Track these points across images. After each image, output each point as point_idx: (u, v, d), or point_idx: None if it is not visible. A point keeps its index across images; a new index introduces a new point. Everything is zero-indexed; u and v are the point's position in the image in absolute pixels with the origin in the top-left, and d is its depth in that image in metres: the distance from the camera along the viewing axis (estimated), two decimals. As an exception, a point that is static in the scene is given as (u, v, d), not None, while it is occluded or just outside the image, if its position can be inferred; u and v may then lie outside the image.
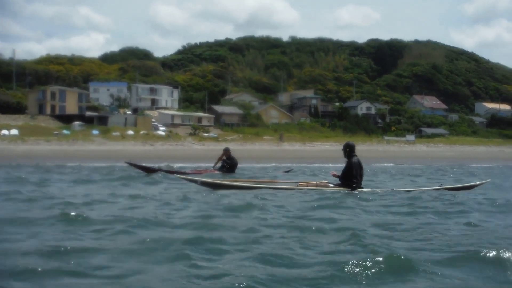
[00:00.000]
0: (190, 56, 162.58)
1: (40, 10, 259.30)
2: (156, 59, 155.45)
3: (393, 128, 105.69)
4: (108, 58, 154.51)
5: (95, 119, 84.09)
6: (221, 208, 10.03)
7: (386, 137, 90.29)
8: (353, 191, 12.84)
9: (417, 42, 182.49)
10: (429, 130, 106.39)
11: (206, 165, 28.04)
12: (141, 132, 71.02)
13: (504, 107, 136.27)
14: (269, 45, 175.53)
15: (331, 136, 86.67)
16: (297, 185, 13.89)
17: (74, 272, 5.34)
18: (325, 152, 54.38)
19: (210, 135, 79.01)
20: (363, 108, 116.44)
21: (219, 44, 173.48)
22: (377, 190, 13.38)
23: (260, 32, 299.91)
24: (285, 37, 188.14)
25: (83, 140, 59.20)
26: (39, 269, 5.33)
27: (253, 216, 9.05)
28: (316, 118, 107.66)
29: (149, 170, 18.84)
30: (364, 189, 13.21)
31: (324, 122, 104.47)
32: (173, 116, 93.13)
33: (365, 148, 60.22)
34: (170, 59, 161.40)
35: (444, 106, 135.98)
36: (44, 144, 53.47)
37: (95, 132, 68.87)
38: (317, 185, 13.60)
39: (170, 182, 15.93)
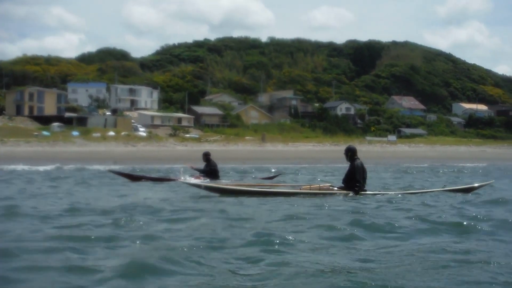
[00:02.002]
0: (168, 56, 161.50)
1: (11, 10, 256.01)
2: (134, 60, 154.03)
3: (372, 128, 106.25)
4: (85, 59, 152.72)
5: (74, 120, 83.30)
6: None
7: (368, 138, 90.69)
8: (356, 194, 12.75)
9: (394, 43, 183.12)
10: (408, 130, 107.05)
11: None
12: (122, 133, 70.45)
13: (481, 107, 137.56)
14: (248, 45, 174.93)
15: (312, 137, 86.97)
16: (300, 189, 13.69)
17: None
18: (309, 153, 54.43)
19: (191, 135, 78.68)
20: (342, 108, 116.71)
21: (197, 45, 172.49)
22: (380, 192, 13.31)
23: (236, 33, 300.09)
24: (262, 38, 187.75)
25: (63, 141, 58.63)
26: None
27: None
28: (296, 119, 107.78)
29: (133, 178, 18.29)
30: (368, 192, 13.11)
31: (304, 122, 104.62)
32: (152, 117, 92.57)
33: (347, 149, 60.22)
34: (148, 60, 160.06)
35: (422, 106, 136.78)
36: (24, 146, 52.81)
37: (75, 133, 68.22)
38: (320, 189, 13.43)
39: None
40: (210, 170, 17.83)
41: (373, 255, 6.06)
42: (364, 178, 13.23)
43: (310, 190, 13.37)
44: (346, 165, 13.48)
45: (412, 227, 7.89)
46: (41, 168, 27.37)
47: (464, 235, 7.37)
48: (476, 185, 14.42)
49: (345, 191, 13.04)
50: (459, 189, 13.88)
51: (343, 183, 13.42)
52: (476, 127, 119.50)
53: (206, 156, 18.04)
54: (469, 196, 13.09)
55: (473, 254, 6.03)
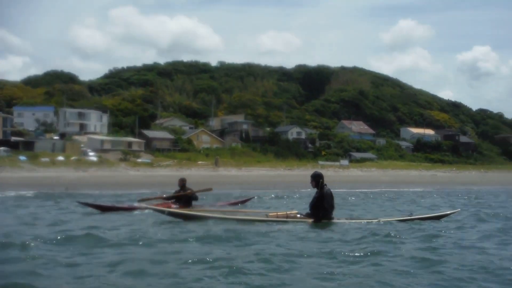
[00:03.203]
0: (117, 80, 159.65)
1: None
2: (82, 83, 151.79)
3: (323, 153, 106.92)
4: (31, 82, 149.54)
5: (20, 144, 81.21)
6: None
7: (321, 162, 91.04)
8: (319, 222, 12.63)
9: (343, 68, 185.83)
10: (358, 155, 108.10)
11: (146, 191, 27.28)
12: (72, 158, 68.93)
13: (429, 132, 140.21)
14: (198, 70, 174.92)
15: (263, 161, 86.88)
16: (267, 216, 13.43)
17: None
18: (263, 177, 54.26)
19: (143, 160, 77.61)
20: (293, 133, 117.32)
21: (147, 69, 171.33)
22: (347, 221, 13.12)
23: (184, 57, 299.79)
24: (211, 62, 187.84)
25: (10, 167, 56.78)
26: None
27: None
28: (247, 143, 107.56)
29: (103, 208, 17.62)
30: (335, 220, 12.91)
31: (255, 147, 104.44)
32: (102, 141, 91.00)
33: (301, 173, 60.41)
34: (96, 83, 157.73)
35: (371, 131, 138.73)
36: (-31, 171, 50.98)
37: (22, 158, 66.28)
38: (287, 216, 13.20)
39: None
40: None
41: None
42: (332, 206, 13.01)
43: (277, 217, 13.13)
44: (304, 190, 13.37)
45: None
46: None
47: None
48: (446, 212, 14.42)
49: (311, 219, 12.84)
50: (429, 217, 13.80)
51: (310, 210, 13.18)
52: (424, 151, 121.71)
53: (182, 182, 17.80)
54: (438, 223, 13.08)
55: None
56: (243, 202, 20.61)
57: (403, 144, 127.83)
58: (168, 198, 17.59)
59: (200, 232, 10.99)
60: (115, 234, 11.04)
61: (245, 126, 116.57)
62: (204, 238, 10.33)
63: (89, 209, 17.36)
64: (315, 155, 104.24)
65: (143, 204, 16.72)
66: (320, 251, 8.87)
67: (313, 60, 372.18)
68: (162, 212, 13.89)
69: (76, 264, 7.95)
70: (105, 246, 9.54)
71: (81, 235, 10.60)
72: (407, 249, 9.16)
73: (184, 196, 17.36)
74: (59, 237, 10.38)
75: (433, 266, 7.74)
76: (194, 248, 9.22)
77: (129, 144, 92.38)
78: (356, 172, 73.09)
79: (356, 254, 8.61)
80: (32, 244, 9.55)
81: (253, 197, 22.89)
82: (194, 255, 8.47)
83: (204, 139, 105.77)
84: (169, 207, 16.56)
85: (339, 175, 60.16)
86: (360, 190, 35.81)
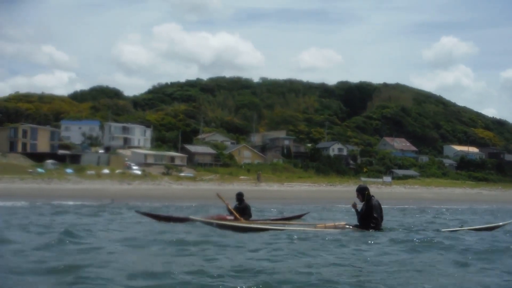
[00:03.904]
0: (161, 95, 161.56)
1: (2, 47, 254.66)
2: (126, 98, 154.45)
3: (364, 169, 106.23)
4: (78, 97, 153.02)
5: (67, 157, 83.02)
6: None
7: (363, 178, 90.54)
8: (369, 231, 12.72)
9: (385, 85, 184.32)
10: (400, 172, 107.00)
11: (190, 204, 27.62)
12: (117, 171, 70.16)
13: (473, 149, 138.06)
14: (240, 85, 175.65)
15: (305, 177, 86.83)
16: (315, 227, 13.60)
17: None
18: (306, 193, 54.36)
19: (186, 174, 78.47)
20: (335, 149, 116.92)
21: (190, 84, 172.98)
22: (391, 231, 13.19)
23: (226, 73, 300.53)
24: (253, 78, 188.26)
25: (58, 179, 58.22)
26: None
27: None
28: (288, 159, 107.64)
29: (160, 218, 17.96)
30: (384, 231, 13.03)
31: (296, 163, 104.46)
32: (146, 155, 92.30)
33: (343, 189, 60.37)
34: (140, 99, 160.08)
35: (414, 148, 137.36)
36: (19, 183, 52.39)
37: (69, 170, 67.87)
38: (335, 227, 13.36)
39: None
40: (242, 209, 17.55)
41: None
42: (381, 217, 13.15)
43: (325, 228, 13.28)
44: (347, 206, 13.43)
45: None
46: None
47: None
48: (499, 224, 14.47)
49: (360, 229, 12.96)
50: (482, 228, 13.88)
51: (358, 221, 13.32)
52: (467, 169, 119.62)
53: (239, 197, 17.80)
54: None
55: None
56: (297, 217, 20.56)
57: (446, 161, 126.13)
58: (230, 211, 17.57)
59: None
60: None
61: (286, 142, 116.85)
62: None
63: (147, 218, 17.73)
64: (357, 172, 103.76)
65: (192, 217, 16.94)
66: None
67: (355, 76, 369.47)
68: (211, 224, 14.14)
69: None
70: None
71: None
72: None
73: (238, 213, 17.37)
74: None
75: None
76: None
77: (172, 158, 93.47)
78: (399, 189, 72.69)
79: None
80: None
81: (308, 213, 22.67)
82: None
83: (245, 155, 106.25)
84: (224, 218, 16.79)
85: (382, 192, 59.71)
86: (405, 206, 35.70)
